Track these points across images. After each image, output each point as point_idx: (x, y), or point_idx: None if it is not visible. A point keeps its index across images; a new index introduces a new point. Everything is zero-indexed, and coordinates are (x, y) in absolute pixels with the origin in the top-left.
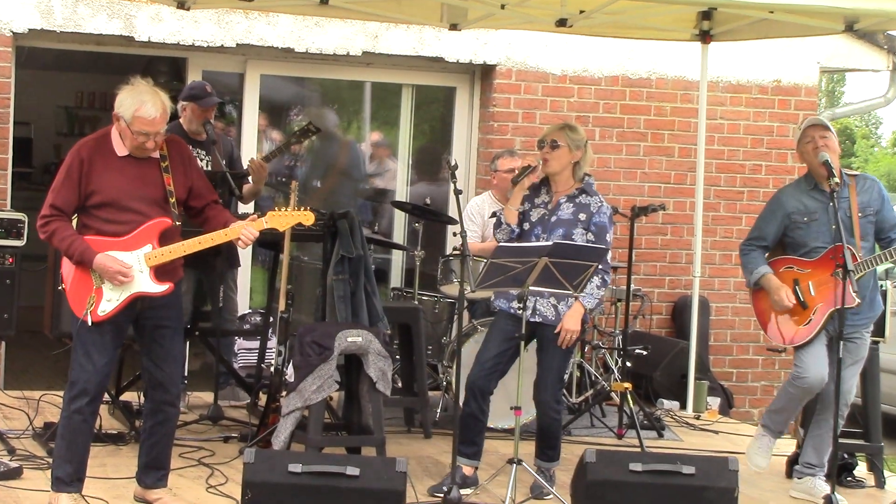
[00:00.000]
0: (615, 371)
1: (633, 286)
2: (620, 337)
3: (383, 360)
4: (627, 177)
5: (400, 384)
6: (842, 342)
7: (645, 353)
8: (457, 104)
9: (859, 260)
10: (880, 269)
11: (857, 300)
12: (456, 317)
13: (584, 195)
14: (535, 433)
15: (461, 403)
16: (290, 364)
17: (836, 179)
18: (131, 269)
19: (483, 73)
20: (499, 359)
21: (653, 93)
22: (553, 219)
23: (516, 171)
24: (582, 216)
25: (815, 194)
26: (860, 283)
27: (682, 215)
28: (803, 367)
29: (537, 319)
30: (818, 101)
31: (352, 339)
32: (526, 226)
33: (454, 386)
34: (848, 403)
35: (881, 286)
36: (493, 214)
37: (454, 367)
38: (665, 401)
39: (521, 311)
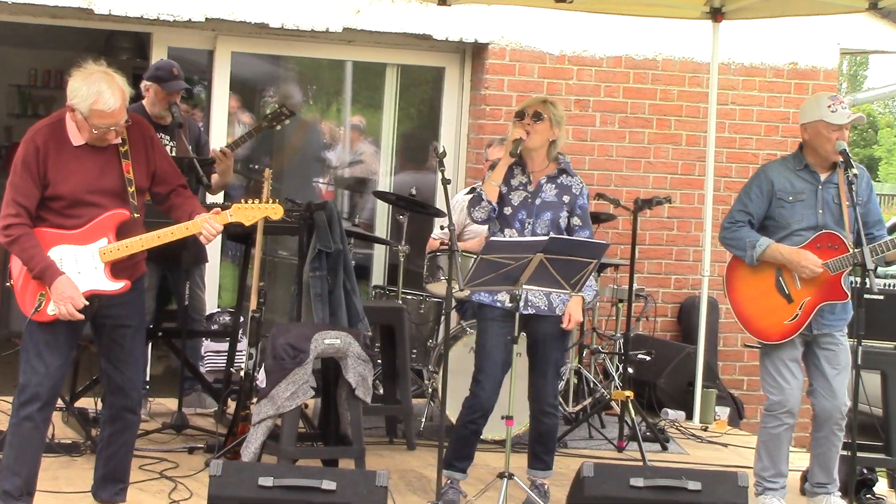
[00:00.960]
0: (616, 378)
1: (635, 285)
2: (622, 341)
3: (363, 364)
4: (630, 166)
5: (381, 391)
6: (859, 346)
7: (648, 358)
8: (446, 86)
9: (850, 251)
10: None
11: (849, 295)
12: (443, 318)
13: (565, 175)
14: (529, 438)
15: (454, 418)
16: (262, 368)
17: (855, 171)
18: (81, 305)
19: (474, 53)
20: (503, 370)
21: (659, 75)
22: (537, 201)
23: (510, 144)
24: (566, 198)
25: (805, 174)
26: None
27: (690, 209)
28: (777, 388)
29: (529, 311)
30: (839, 86)
31: (329, 341)
32: (507, 210)
33: (440, 393)
34: (844, 414)
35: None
36: (472, 190)
37: (441, 372)
38: (670, 410)
39: (509, 305)
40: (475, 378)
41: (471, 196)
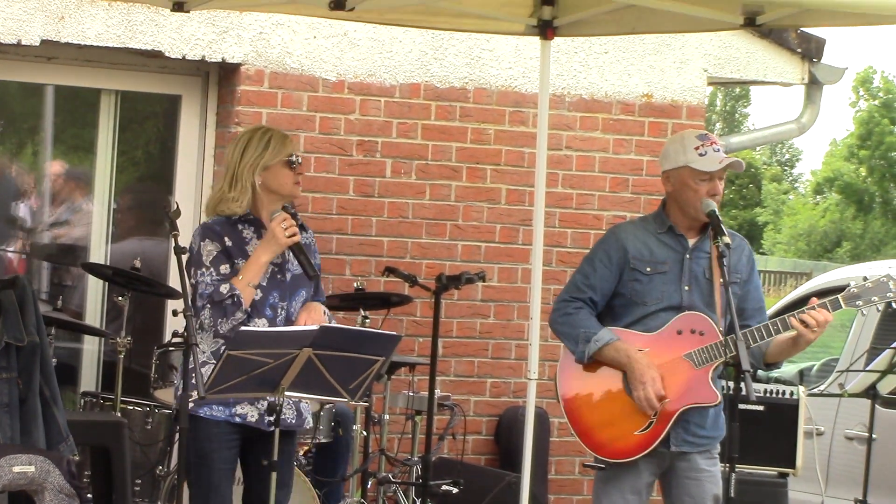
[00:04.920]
0: None
1: (438, 392)
2: (419, 466)
3: (67, 500)
4: (432, 231)
5: None
6: (732, 474)
7: (455, 490)
8: (182, 120)
9: (721, 339)
10: (787, 369)
11: (719, 397)
12: (178, 436)
13: (302, 231)
14: None
15: None
16: None
17: (727, 240)
18: None
19: (222, 77)
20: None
21: (470, 109)
22: (287, 276)
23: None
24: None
25: (668, 239)
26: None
27: (512, 289)
28: None
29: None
30: (709, 126)
31: (20, 468)
32: (255, 294)
33: None
34: None
35: (791, 392)
36: (224, 295)
37: None
38: None
39: (254, 419)
40: None
41: (215, 301)
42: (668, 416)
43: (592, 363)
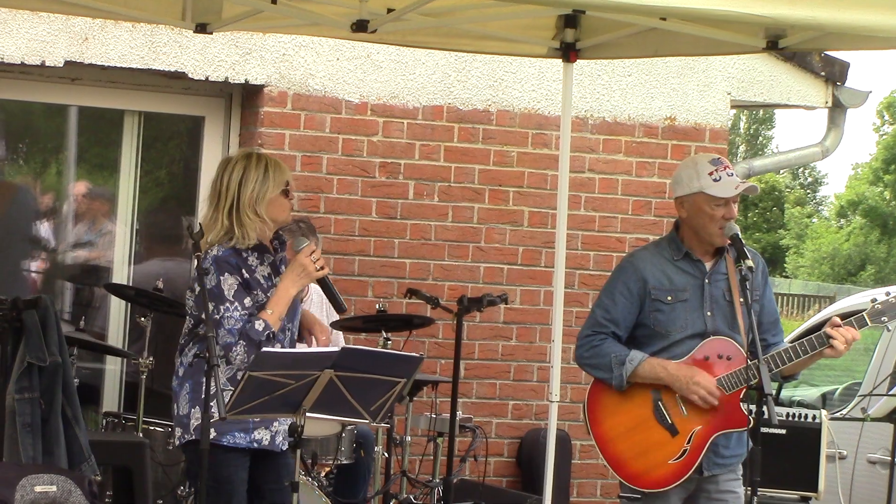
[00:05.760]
0: None
1: (460, 414)
2: (441, 488)
3: None
4: (454, 253)
5: None
6: (754, 497)
7: None
8: (206, 141)
9: (748, 363)
10: (810, 392)
11: (750, 420)
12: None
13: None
14: None
15: None
16: None
17: (750, 263)
18: None
19: (245, 98)
20: None
21: (493, 131)
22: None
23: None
24: None
25: (685, 265)
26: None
27: (534, 311)
28: None
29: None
30: (732, 148)
31: (42, 488)
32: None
33: None
34: None
35: (814, 416)
36: (262, 334)
37: None
38: None
39: (267, 442)
40: None
41: (252, 339)
42: (701, 444)
43: (620, 394)
